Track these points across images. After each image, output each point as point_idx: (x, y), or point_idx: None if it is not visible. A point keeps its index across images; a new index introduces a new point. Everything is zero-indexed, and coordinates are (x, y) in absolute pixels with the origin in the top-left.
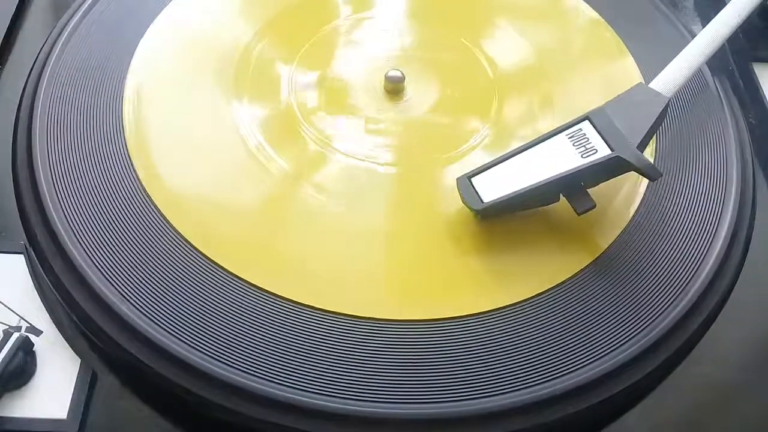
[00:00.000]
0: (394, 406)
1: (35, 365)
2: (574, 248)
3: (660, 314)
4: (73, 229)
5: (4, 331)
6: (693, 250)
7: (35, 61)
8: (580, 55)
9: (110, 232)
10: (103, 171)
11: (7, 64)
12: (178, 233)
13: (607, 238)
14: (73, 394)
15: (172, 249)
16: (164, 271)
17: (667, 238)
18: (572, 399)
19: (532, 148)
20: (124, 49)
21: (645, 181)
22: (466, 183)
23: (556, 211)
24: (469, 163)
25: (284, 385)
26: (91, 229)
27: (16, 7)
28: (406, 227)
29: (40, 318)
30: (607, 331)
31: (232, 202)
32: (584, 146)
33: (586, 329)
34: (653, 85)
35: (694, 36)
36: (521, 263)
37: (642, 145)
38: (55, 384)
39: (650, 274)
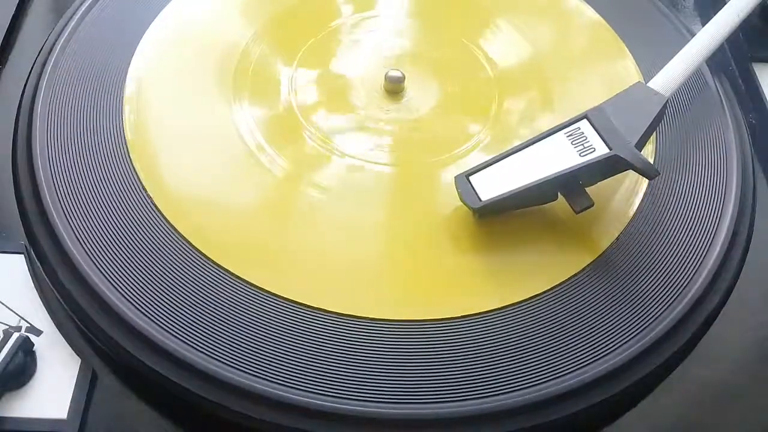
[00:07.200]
0: (394, 406)
1: (35, 365)
2: (573, 248)
3: (660, 314)
4: (74, 229)
5: (4, 331)
6: (693, 250)
7: (35, 61)
8: (580, 55)
9: (110, 232)
10: (103, 171)
11: (7, 64)
12: (179, 233)
13: (607, 237)
14: (73, 394)
15: (172, 249)
16: (164, 270)
17: (667, 238)
18: (572, 399)
19: (531, 147)
20: (124, 49)
21: (645, 181)
22: (464, 181)
23: (556, 210)
24: (469, 163)
25: (284, 385)
26: (91, 229)
27: (16, 7)
28: (406, 227)
29: (40, 318)
30: (607, 332)
31: (233, 202)
32: (582, 145)
33: (586, 329)
34: (652, 84)
35: (693, 36)
36: (521, 263)
37: (640, 144)
38: (55, 384)
39: (650, 274)
